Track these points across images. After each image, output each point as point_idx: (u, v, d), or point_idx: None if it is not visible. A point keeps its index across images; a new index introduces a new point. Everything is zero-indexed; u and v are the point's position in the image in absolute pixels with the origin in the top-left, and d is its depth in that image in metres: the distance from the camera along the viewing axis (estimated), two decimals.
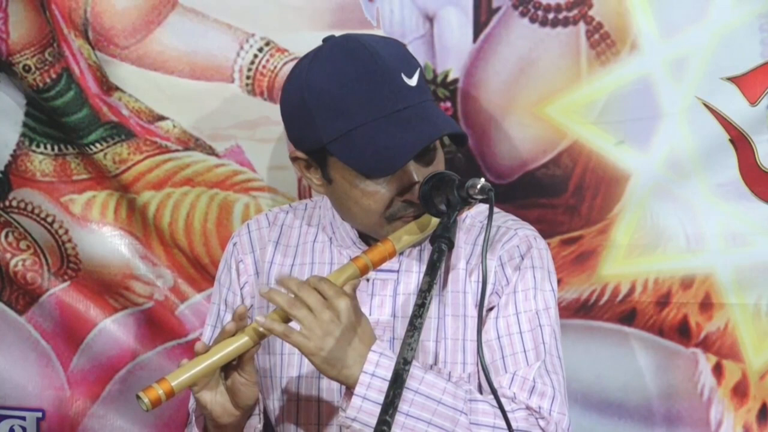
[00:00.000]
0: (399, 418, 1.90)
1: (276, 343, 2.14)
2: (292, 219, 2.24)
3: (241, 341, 1.92)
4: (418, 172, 2.01)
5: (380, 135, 1.98)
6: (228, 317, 2.19)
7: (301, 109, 2.04)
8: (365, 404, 1.90)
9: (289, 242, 2.21)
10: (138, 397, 1.87)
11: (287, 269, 2.18)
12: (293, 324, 1.92)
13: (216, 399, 1.97)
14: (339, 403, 1.98)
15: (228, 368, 1.97)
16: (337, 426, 2.10)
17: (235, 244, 2.24)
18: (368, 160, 1.99)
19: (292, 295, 1.92)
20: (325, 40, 2.10)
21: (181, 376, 1.90)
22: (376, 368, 1.90)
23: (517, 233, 2.13)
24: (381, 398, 1.87)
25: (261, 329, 1.92)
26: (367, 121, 1.99)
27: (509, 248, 2.11)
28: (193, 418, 2.11)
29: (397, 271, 2.12)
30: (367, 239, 2.13)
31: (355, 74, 2.00)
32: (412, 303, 2.04)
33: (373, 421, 1.88)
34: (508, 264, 2.10)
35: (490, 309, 2.09)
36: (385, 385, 1.87)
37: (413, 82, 2.02)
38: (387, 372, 1.89)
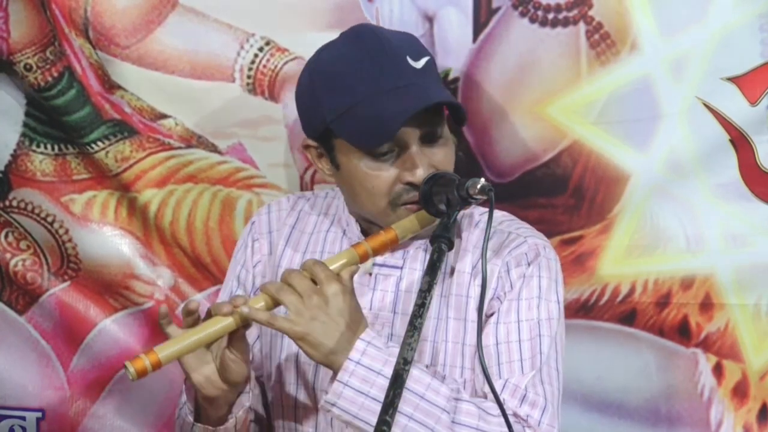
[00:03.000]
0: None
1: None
2: (311, 207, 2.25)
3: (226, 323, 1.93)
4: (421, 154, 2.02)
5: (378, 108, 1.99)
6: (239, 293, 2.21)
7: (309, 93, 2.07)
8: (346, 391, 1.90)
9: (304, 229, 2.22)
10: (125, 367, 1.87)
11: (300, 255, 2.19)
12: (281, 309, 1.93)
13: (202, 371, 1.97)
14: (325, 389, 1.98)
15: (219, 343, 1.97)
16: (314, 410, 2.12)
17: (253, 223, 2.26)
18: (364, 132, 2.00)
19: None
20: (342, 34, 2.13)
21: (168, 349, 1.90)
22: (361, 356, 1.90)
23: (526, 241, 2.13)
24: (363, 387, 1.90)
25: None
26: (367, 96, 2.00)
27: (517, 254, 2.11)
28: (185, 387, 2.11)
29: (401, 268, 2.12)
30: (369, 234, 2.12)
31: (360, 54, 2.02)
32: (413, 300, 2.05)
33: (353, 408, 1.91)
34: (514, 270, 2.09)
35: (491, 314, 2.09)
36: (370, 375, 1.90)
37: (418, 65, 2.03)
38: (373, 361, 1.90)
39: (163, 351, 1.90)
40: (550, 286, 2.11)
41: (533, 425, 2.01)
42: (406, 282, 2.12)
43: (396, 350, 1.83)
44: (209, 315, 1.96)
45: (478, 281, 2.09)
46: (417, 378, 1.94)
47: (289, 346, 2.15)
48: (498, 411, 1.97)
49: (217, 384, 1.99)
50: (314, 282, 1.92)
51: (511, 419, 1.97)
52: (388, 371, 1.84)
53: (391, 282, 2.12)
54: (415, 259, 2.13)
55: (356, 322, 1.93)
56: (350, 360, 1.90)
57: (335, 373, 1.92)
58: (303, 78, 2.11)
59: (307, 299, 1.90)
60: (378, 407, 1.82)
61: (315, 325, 1.89)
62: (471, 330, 2.09)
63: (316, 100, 2.05)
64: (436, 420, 1.93)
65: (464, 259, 2.12)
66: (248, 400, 2.07)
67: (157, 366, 1.88)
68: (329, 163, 2.11)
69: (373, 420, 1.86)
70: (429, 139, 2.04)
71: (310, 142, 2.12)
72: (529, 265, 2.10)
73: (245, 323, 1.94)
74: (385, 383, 1.83)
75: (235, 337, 1.96)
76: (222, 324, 1.93)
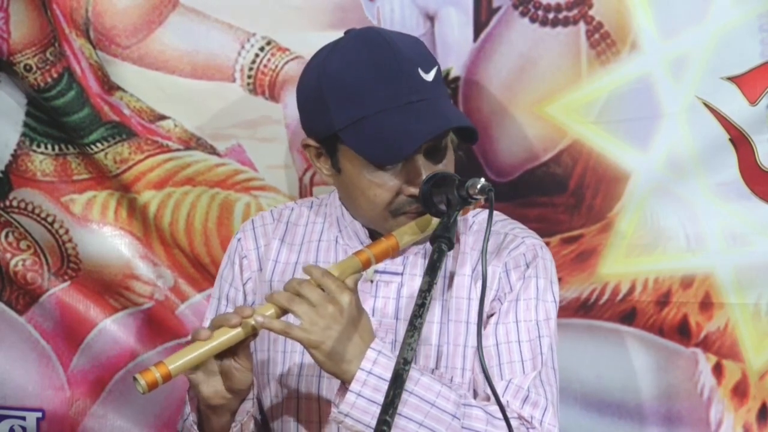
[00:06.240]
0: None
1: (278, 340, 2.14)
2: (298, 216, 2.24)
3: (234, 333, 1.93)
4: (426, 167, 2.02)
5: (391, 124, 1.99)
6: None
7: (316, 95, 2.05)
8: (359, 401, 1.90)
9: (294, 240, 2.21)
10: (135, 379, 1.87)
11: (291, 267, 2.18)
12: (292, 319, 1.93)
13: (209, 381, 1.97)
14: (333, 400, 1.98)
15: (223, 353, 1.96)
16: (318, 422, 2.12)
17: (239, 240, 2.23)
18: (377, 148, 1.99)
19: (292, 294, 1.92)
20: (346, 32, 2.12)
21: (178, 361, 1.90)
22: (373, 366, 1.90)
23: (524, 241, 2.13)
24: (375, 396, 1.89)
25: (254, 324, 1.92)
26: (380, 110, 1.99)
27: (515, 255, 2.11)
28: (188, 398, 2.11)
29: (401, 274, 2.12)
30: (377, 238, 2.12)
31: (373, 64, 2.01)
32: None
33: (366, 418, 1.91)
34: (513, 271, 2.10)
35: (491, 315, 2.09)
36: (381, 384, 1.89)
37: (429, 77, 2.03)
38: (384, 371, 1.90)
39: (173, 363, 1.89)
40: (547, 287, 2.12)
41: (536, 426, 2.02)
42: (407, 288, 2.12)
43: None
44: (212, 327, 1.95)
45: (480, 284, 2.09)
46: (428, 386, 1.94)
47: (291, 359, 2.14)
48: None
49: (222, 394, 1.99)
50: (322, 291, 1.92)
51: (515, 422, 1.99)
52: None
53: (392, 289, 2.12)
54: (415, 264, 2.13)
55: (367, 331, 1.94)
56: (362, 370, 1.90)
57: (344, 383, 1.92)
58: (310, 80, 2.09)
59: (322, 308, 1.89)
60: None
61: (330, 334, 1.89)
62: (472, 332, 2.09)
63: (324, 104, 2.03)
64: (447, 426, 1.94)
65: (463, 262, 2.12)
66: (251, 406, 2.07)
67: (167, 378, 1.88)
68: (329, 164, 2.10)
69: None
70: (433, 151, 2.04)
71: (311, 142, 2.11)
72: (527, 266, 2.11)
73: (254, 333, 1.94)
74: None
75: (241, 347, 1.96)
76: (231, 334, 1.93)
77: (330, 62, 2.04)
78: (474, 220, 2.17)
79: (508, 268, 2.10)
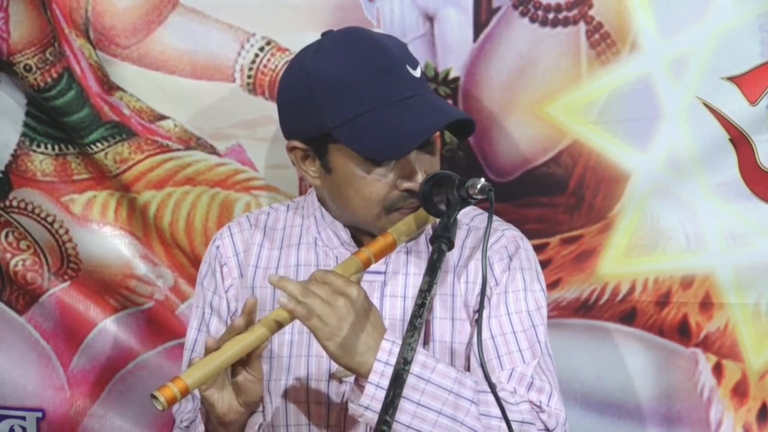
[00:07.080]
0: (410, 407, 1.90)
1: (284, 346, 2.13)
2: (275, 220, 2.22)
3: (258, 333, 1.91)
4: (419, 161, 2.02)
5: (389, 120, 1.99)
6: (214, 320, 2.19)
7: (304, 96, 2.04)
8: (378, 392, 1.89)
9: (273, 244, 2.19)
10: (153, 397, 1.83)
11: (273, 271, 2.17)
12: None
13: (223, 397, 1.97)
14: (348, 395, 1.98)
15: (235, 366, 1.96)
16: (326, 427, 2.11)
17: (218, 248, 2.21)
18: (377, 144, 1.99)
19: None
20: (324, 34, 2.12)
21: (195, 374, 1.87)
22: (389, 356, 1.89)
23: (504, 234, 2.14)
24: None
25: (279, 319, 1.91)
26: (375, 106, 2.00)
27: (498, 248, 2.12)
28: (199, 415, 2.11)
29: (384, 273, 2.12)
30: (359, 241, 2.13)
31: (362, 62, 2.02)
32: (399, 305, 2.09)
33: None
34: (496, 264, 2.11)
35: (478, 309, 2.08)
36: None
37: (417, 74, 2.05)
38: None
39: (190, 377, 1.86)
40: (533, 278, 2.13)
41: (545, 409, 2.03)
42: (391, 287, 2.11)
43: (417, 348, 1.82)
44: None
45: (464, 279, 2.11)
46: (444, 373, 1.94)
47: (278, 366, 2.13)
48: (515, 398, 2.01)
49: (236, 408, 1.99)
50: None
51: (526, 405, 2.01)
52: (416, 369, 1.89)
53: (375, 287, 2.11)
54: (397, 263, 2.12)
55: (379, 322, 1.94)
56: (378, 361, 1.89)
57: (359, 378, 1.91)
58: (296, 81, 2.07)
59: (334, 302, 1.88)
60: (408, 405, 1.87)
61: (344, 326, 1.88)
62: (458, 328, 2.10)
63: (313, 104, 2.03)
64: (465, 412, 1.94)
65: (445, 259, 2.10)
66: (262, 418, 2.08)
67: (185, 393, 1.85)
68: (317, 165, 2.09)
69: (406, 419, 1.90)
70: (424, 144, 2.04)
71: (297, 144, 2.10)
72: (510, 258, 2.12)
73: (278, 329, 1.93)
74: (413, 381, 1.87)
75: (254, 356, 1.95)
76: (253, 337, 1.91)
77: (317, 62, 2.04)
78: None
79: (491, 261, 2.11)
